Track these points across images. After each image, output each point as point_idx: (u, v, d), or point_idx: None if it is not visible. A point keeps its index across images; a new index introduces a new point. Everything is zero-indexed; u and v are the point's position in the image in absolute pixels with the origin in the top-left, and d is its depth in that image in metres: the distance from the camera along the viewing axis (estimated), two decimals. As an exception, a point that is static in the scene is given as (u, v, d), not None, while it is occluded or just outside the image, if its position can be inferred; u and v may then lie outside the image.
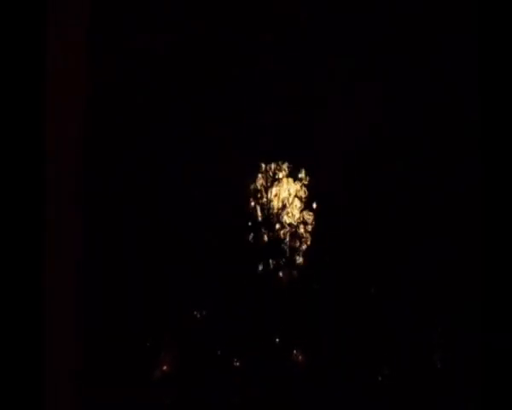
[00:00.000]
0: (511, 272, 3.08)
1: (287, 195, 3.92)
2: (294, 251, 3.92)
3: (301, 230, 3.94)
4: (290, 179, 3.94)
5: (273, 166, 3.94)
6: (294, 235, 3.93)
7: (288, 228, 3.93)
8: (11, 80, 2.90)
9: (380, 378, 3.77)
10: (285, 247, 3.93)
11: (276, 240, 3.94)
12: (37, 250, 2.86)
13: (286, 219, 3.94)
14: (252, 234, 3.93)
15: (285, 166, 3.94)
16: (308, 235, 3.93)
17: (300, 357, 3.81)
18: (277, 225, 3.93)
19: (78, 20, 3.52)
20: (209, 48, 3.85)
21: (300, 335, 3.83)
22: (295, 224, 3.93)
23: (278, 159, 3.96)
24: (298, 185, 3.93)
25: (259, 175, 3.94)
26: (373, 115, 3.83)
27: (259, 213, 3.93)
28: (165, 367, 3.77)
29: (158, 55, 3.81)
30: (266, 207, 3.93)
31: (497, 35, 3.11)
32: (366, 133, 3.84)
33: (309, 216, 3.92)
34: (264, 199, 3.91)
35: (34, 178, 2.89)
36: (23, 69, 2.94)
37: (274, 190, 3.92)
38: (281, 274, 3.89)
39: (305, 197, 3.94)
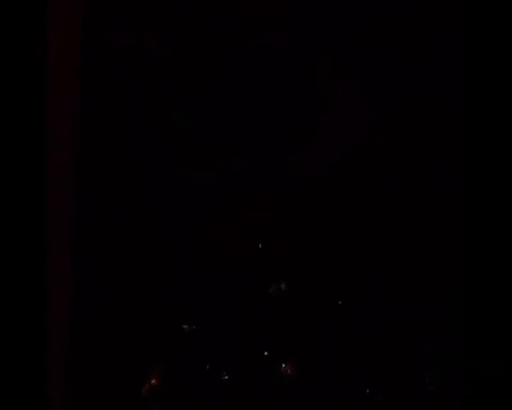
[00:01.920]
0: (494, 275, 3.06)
1: (277, 203, 3.88)
2: (284, 262, 3.89)
3: (292, 240, 3.90)
4: (281, 186, 3.90)
5: (264, 172, 3.91)
6: (285, 245, 3.89)
7: (279, 238, 3.89)
8: (10, 81, 2.88)
9: (368, 391, 3.72)
10: (275, 258, 3.89)
11: (266, 251, 3.89)
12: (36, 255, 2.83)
13: (276, 228, 3.89)
14: (241, 245, 3.89)
15: (275, 173, 3.90)
16: (299, 245, 3.89)
17: (289, 370, 3.76)
18: (268, 236, 3.88)
19: (72, 20, 3.51)
20: (204, 49, 3.82)
21: (289, 348, 3.79)
22: (286, 234, 3.89)
23: (269, 166, 3.92)
24: (288, 193, 3.89)
25: (250, 182, 3.90)
26: (360, 118, 3.81)
27: (249, 223, 3.89)
28: (153, 381, 3.71)
29: (151, 55, 3.79)
30: (256, 217, 3.88)
31: (484, 35, 3.10)
32: (353, 138, 3.82)
33: (299, 225, 3.88)
34: (255, 207, 3.87)
35: (35, 176, 2.87)
36: (22, 69, 2.92)
37: (264, 197, 3.88)
38: (269, 286, 3.85)
39: (295, 206, 3.90)
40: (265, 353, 3.73)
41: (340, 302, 3.76)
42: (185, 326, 3.71)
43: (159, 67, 3.77)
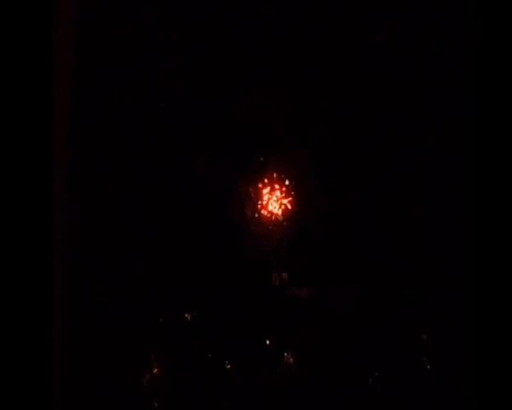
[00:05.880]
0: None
1: (277, 199, 3.89)
2: (285, 253, 3.90)
3: (293, 233, 3.91)
4: (281, 184, 3.91)
5: (264, 170, 3.92)
6: (286, 237, 3.91)
7: (280, 231, 3.90)
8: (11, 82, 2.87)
9: (370, 381, 3.73)
10: (276, 249, 3.90)
11: (268, 242, 3.90)
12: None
13: (277, 221, 3.90)
14: (242, 236, 3.90)
15: (276, 170, 3.91)
16: (300, 237, 3.90)
17: (291, 359, 3.77)
18: (268, 228, 3.89)
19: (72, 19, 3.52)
20: (204, 49, 3.83)
21: (291, 337, 3.80)
22: (287, 227, 3.91)
23: (268, 163, 3.93)
24: (288, 190, 3.90)
25: (249, 179, 3.91)
26: (360, 118, 3.83)
27: (251, 216, 3.90)
28: (155, 370, 3.70)
29: (151, 55, 3.79)
30: (258, 211, 3.90)
31: (485, 35, 3.10)
32: (353, 138, 3.83)
33: (301, 218, 3.89)
34: (256, 203, 3.88)
35: (34, 176, 2.86)
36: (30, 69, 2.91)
37: (264, 193, 3.89)
38: (271, 276, 3.86)
39: (296, 202, 3.91)
40: (267, 341, 3.74)
41: (340, 300, 3.78)
42: (187, 316, 3.72)
43: (159, 67, 3.77)
